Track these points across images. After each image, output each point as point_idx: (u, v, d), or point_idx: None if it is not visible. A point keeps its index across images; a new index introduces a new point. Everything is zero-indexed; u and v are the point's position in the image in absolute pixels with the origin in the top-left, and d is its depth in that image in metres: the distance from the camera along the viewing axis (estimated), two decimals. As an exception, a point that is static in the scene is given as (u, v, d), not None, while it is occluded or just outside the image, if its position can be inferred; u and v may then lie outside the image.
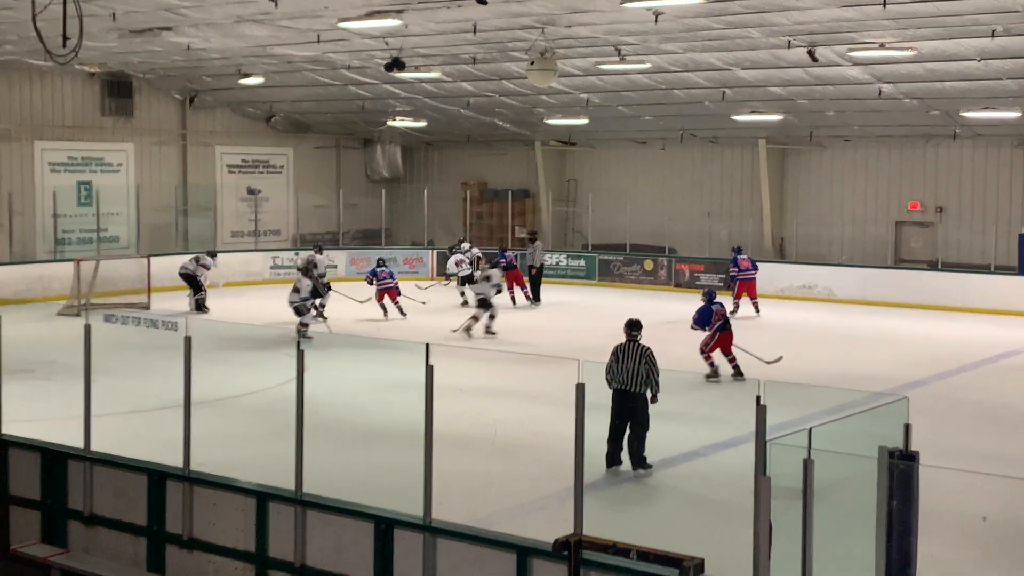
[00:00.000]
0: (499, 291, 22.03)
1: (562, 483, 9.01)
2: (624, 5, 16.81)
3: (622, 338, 11.80)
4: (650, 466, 11.56)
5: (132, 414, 13.50)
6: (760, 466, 6.75)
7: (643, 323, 12.02)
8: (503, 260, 24.95)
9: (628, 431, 11.53)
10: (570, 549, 7.35)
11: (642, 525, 10.29)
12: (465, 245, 28.51)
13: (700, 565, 7.09)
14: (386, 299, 23.08)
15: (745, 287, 24.41)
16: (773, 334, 21.83)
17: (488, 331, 20.74)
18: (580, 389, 7.52)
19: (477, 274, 23.32)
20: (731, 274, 25.08)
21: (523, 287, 26.08)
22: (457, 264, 26.79)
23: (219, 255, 25.65)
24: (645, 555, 7.22)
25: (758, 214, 30.15)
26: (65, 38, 8.90)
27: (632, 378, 11.47)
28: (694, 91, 25.49)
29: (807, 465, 6.53)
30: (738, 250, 25.13)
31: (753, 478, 6.81)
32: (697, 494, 11.54)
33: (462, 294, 25.81)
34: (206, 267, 24.60)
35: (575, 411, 7.53)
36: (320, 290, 21.64)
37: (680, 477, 11.81)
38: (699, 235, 30.68)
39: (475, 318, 20.87)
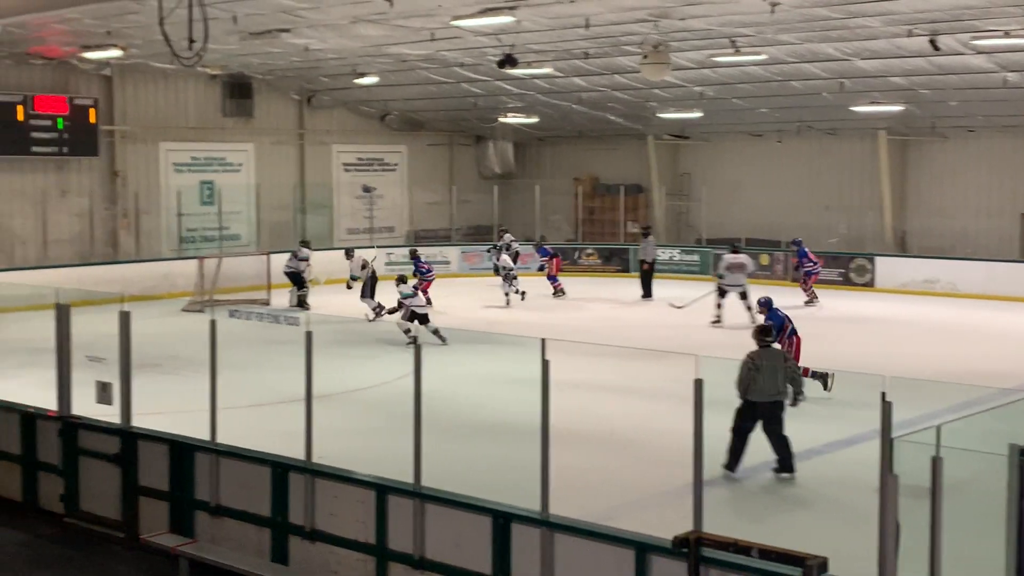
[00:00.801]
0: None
1: (679, 480, 8.95)
2: (740, -4, 16.60)
3: (739, 333, 11.62)
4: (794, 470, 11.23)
5: (255, 407, 13.78)
6: (886, 464, 6.60)
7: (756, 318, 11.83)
8: (544, 255, 26.97)
9: (770, 439, 11.14)
10: (689, 546, 7.29)
11: (762, 523, 10.17)
12: (508, 236, 28.52)
13: (824, 564, 6.96)
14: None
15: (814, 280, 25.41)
16: (895, 330, 21.37)
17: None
18: (698, 385, 7.45)
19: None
20: (806, 268, 25.44)
21: (554, 279, 27.16)
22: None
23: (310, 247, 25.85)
24: (767, 553, 7.12)
25: (878, 207, 29.50)
26: (191, 41, 9.12)
27: (774, 387, 11.06)
28: (811, 82, 25.02)
29: (936, 463, 6.37)
30: (800, 243, 25.84)
31: (877, 476, 6.67)
32: (818, 492, 11.35)
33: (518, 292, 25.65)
34: (305, 259, 24.91)
35: (693, 407, 7.46)
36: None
37: (800, 475, 11.62)
38: (816, 229, 30.10)
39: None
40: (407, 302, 19.15)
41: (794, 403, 11.11)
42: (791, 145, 31.44)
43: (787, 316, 15.24)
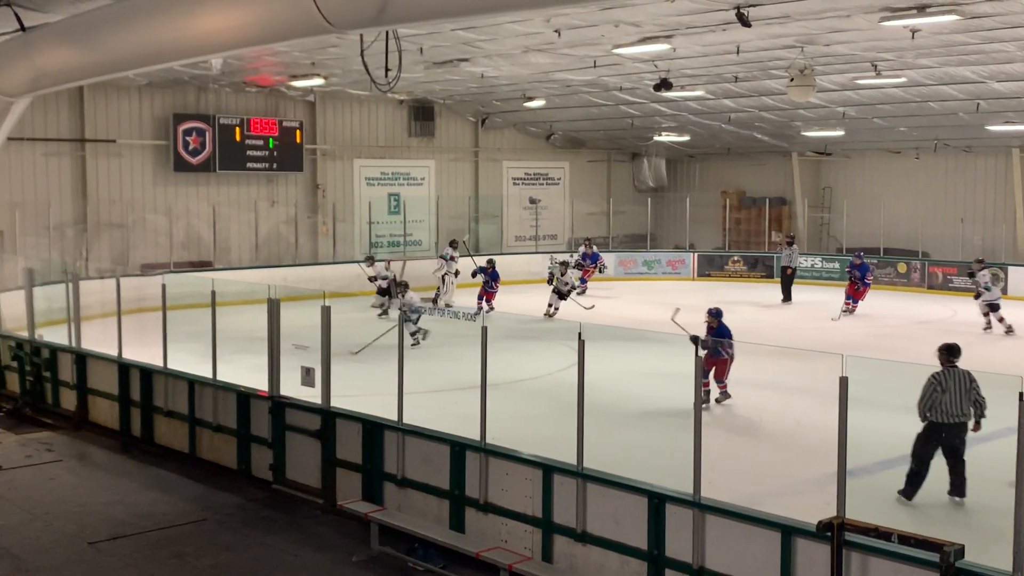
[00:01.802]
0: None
1: (822, 469, 8.73)
2: (883, 23, 16.08)
3: (878, 336, 11.23)
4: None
5: (436, 392, 14.01)
6: (1023, 460, 6.31)
7: (895, 322, 11.32)
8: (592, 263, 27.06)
9: (949, 461, 10.12)
10: (833, 530, 7.11)
11: (900, 512, 9.84)
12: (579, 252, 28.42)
13: (960, 551, 6.70)
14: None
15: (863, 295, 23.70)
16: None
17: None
18: (844, 382, 7.26)
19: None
20: (867, 280, 23.71)
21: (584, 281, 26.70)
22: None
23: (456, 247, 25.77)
24: (906, 539, 6.90)
25: (1011, 219, 28.17)
26: (387, 70, 9.33)
27: (959, 409, 9.93)
28: (948, 103, 24.05)
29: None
30: (861, 255, 24.55)
31: (1013, 472, 6.39)
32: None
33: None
34: (450, 258, 25.02)
35: (838, 403, 7.28)
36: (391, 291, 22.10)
37: (935, 468, 11.18)
38: (952, 240, 28.97)
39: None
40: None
41: (976, 427, 9.94)
42: (928, 161, 30.29)
43: (730, 332, 14.21)
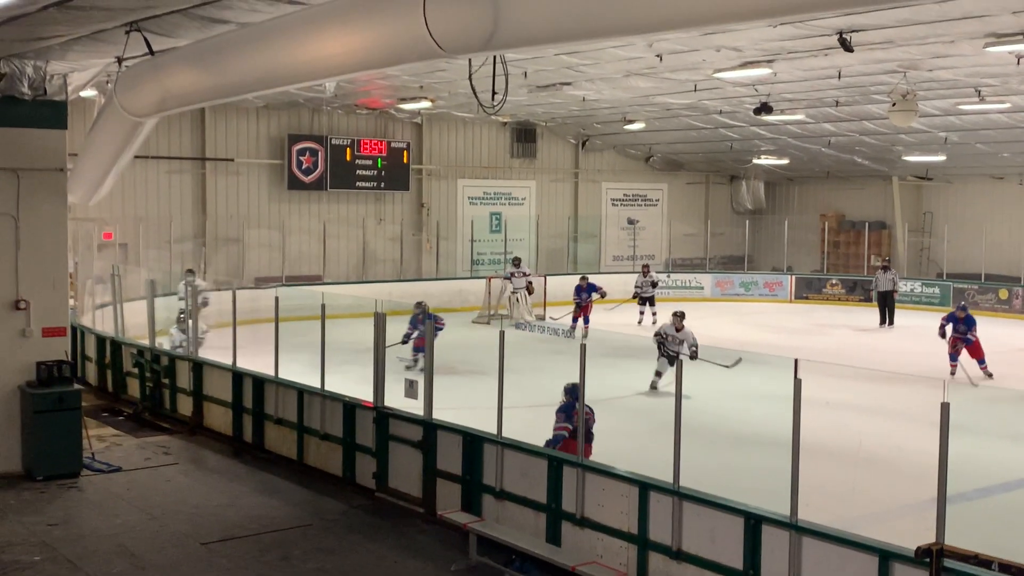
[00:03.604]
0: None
1: (921, 495, 8.48)
2: (987, 49, 15.63)
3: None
4: None
5: (535, 407, 13.97)
6: None
7: (996, 348, 10.82)
8: (587, 295, 23.43)
9: None
10: (932, 556, 6.89)
11: (1000, 540, 9.48)
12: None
13: (1066, 583, 6.43)
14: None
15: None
16: None
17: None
18: (945, 408, 7.04)
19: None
20: (970, 337, 18.38)
21: (586, 320, 23.47)
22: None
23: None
24: (1007, 567, 6.66)
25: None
26: (493, 93, 9.38)
27: None
28: (1053, 129, 23.30)
29: None
30: (965, 307, 19.56)
31: None
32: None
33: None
34: (510, 276, 25.02)
35: (939, 428, 7.06)
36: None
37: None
38: (1054, 266, 28.01)
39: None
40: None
41: None
42: (1032, 187, 29.33)
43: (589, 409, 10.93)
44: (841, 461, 11.95)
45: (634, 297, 25.57)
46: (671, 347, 16.24)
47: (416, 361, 16.90)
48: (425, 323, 15.72)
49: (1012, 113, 22.11)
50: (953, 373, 17.41)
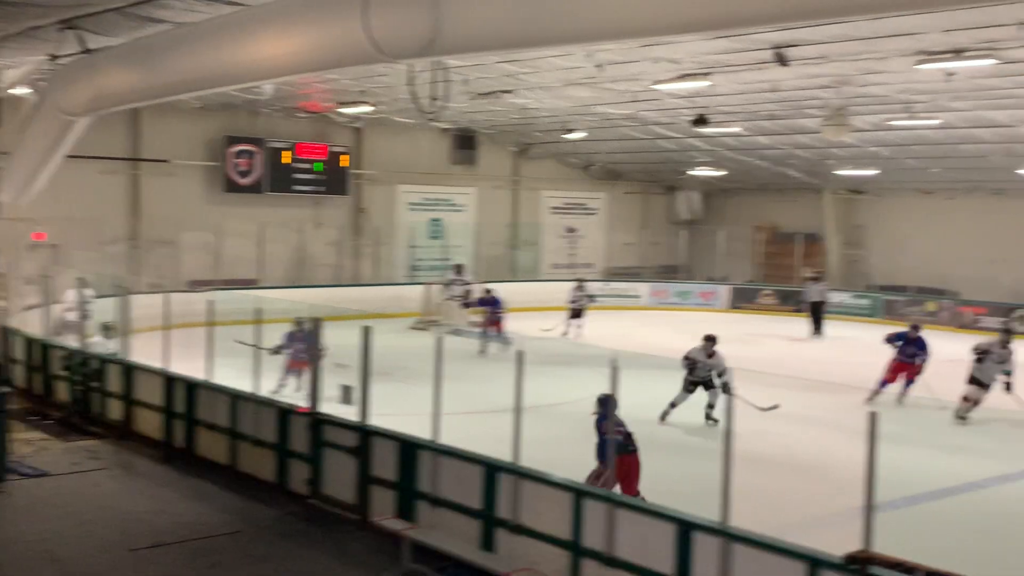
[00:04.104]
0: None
1: (849, 502, 8.59)
2: (918, 66, 15.99)
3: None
4: None
5: (471, 414, 13.99)
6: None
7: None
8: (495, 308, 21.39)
9: None
10: (859, 564, 7.00)
11: (925, 547, 9.67)
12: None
13: (987, 589, 6.58)
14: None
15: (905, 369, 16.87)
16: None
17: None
18: (873, 417, 7.16)
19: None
20: (917, 360, 16.87)
21: (499, 332, 21.05)
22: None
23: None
24: (933, 574, 6.78)
25: (1042, 262, 27.87)
26: (433, 99, 9.39)
27: None
28: (981, 146, 23.89)
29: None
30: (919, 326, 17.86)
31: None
32: (979, 523, 10.74)
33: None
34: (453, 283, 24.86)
35: (867, 437, 7.18)
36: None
37: (962, 504, 11.02)
38: (982, 280, 28.62)
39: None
40: None
41: None
42: (960, 202, 30.03)
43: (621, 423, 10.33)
44: (771, 469, 12.11)
45: (572, 312, 24.49)
46: (700, 374, 14.82)
47: (283, 386, 15.46)
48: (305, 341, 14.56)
49: (942, 129, 22.65)
50: (873, 396, 15.76)
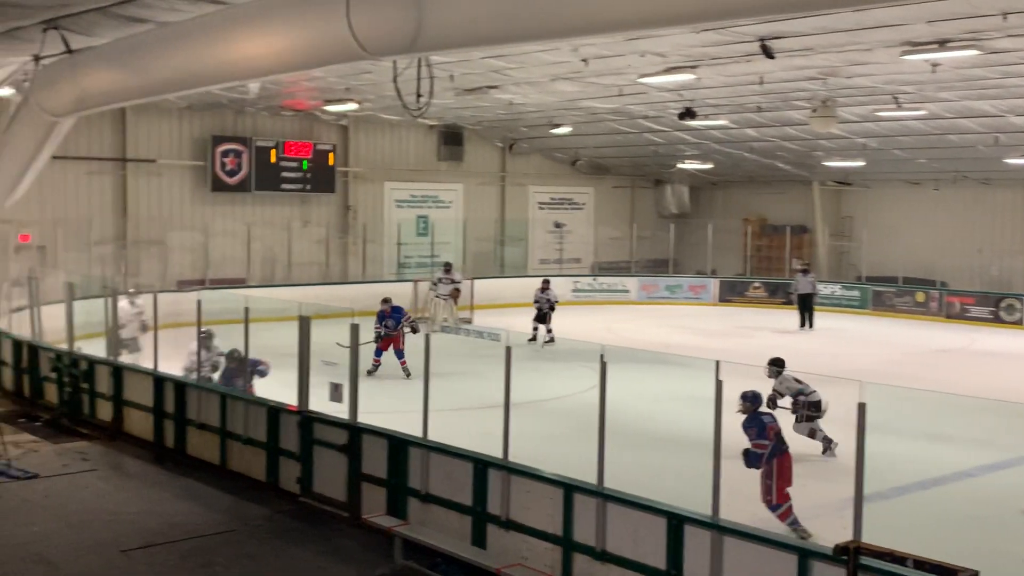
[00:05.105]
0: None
1: (839, 494, 8.65)
2: (903, 57, 16.04)
3: (896, 364, 11.10)
4: None
5: (460, 410, 14.00)
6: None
7: (912, 350, 11.10)
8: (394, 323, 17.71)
9: None
10: (849, 554, 7.04)
11: (915, 537, 9.72)
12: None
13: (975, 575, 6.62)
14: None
15: None
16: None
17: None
18: (862, 408, 7.20)
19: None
20: None
21: (399, 354, 17.66)
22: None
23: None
24: (921, 564, 6.81)
25: (1029, 251, 28.03)
26: (419, 96, 9.39)
27: None
28: (967, 136, 23.97)
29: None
30: None
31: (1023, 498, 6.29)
32: (968, 511, 10.79)
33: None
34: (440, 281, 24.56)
35: (856, 428, 7.21)
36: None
37: (951, 494, 11.08)
38: (969, 270, 28.79)
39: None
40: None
41: None
42: (947, 193, 30.16)
43: (776, 428, 10.06)
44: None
45: (537, 314, 22.67)
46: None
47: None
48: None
49: (928, 120, 22.71)
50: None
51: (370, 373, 12.62)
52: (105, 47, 10.59)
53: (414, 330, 17.58)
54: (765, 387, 14.49)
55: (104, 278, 20.47)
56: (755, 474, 9.88)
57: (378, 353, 17.54)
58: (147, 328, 16.66)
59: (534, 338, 22.25)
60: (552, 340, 22.01)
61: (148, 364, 14.39)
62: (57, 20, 9.78)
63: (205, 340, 13.85)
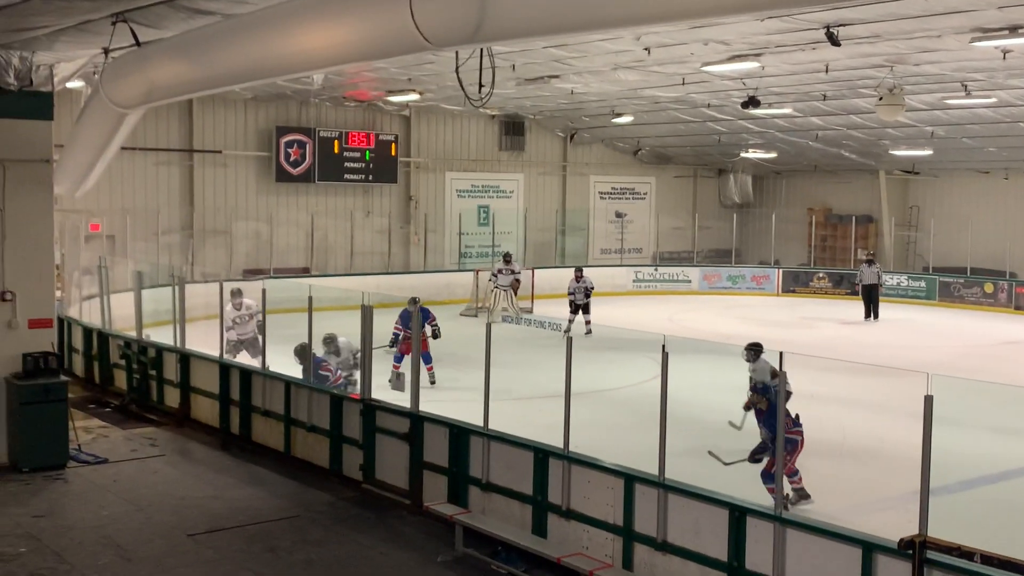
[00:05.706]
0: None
1: (905, 487, 8.52)
2: (973, 44, 15.67)
3: (963, 356, 10.89)
4: None
5: (521, 400, 14.02)
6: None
7: (981, 341, 10.91)
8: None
9: None
10: (915, 548, 6.93)
11: (979, 531, 9.54)
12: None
13: (1046, 574, 6.48)
14: None
15: None
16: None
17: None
18: (928, 401, 7.08)
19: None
20: None
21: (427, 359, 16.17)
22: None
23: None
24: (989, 559, 6.69)
25: (1102, 240, 27.29)
26: (480, 86, 9.39)
27: None
28: (1039, 124, 23.40)
29: None
30: None
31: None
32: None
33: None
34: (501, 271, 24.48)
35: (923, 421, 7.09)
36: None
37: (1018, 488, 10.84)
38: (1040, 261, 28.16)
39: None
40: None
41: None
42: (1017, 181, 29.46)
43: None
44: (825, 454, 11.99)
45: (571, 306, 22.37)
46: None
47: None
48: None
49: (998, 108, 22.18)
50: None
51: (393, 385, 11.50)
52: (172, 40, 10.75)
53: (435, 335, 16.49)
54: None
55: (171, 267, 20.84)
56: (821, 465, 9.78)
57: (398, 359, 15.51)
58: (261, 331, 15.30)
59: (568, 330, 20.20)
60: (590, 332, 21.45)
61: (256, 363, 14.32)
62: (125, 13, 9.93)
63: (330, 344, 13.63)
